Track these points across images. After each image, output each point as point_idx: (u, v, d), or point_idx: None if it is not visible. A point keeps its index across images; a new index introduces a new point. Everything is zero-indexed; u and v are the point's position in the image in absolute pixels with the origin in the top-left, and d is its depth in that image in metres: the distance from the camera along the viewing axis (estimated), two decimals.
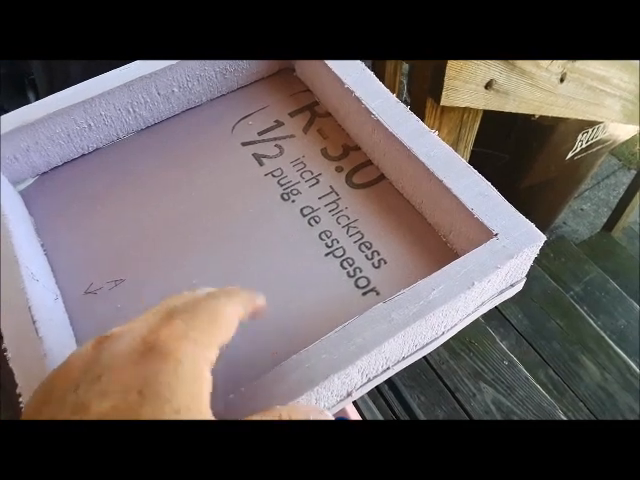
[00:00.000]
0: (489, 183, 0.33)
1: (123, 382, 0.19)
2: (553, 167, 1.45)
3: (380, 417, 0.65)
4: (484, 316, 1.38)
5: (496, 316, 1.40)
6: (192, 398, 0.19)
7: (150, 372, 0.19)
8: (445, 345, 1.28)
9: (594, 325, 1.47)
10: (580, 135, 1.42)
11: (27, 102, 0.39)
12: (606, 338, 1.45)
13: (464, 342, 1.30)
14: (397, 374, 0.32)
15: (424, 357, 1.22)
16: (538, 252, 0.33)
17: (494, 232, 0.31)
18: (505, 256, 0.30)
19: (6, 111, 0.38)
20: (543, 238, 0.31)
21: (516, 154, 1.36)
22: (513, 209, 0.32)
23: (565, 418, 1.24)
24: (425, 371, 1.26)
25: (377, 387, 1.17)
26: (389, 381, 1.15)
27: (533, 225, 0.32)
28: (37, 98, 0.39)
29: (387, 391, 1.16)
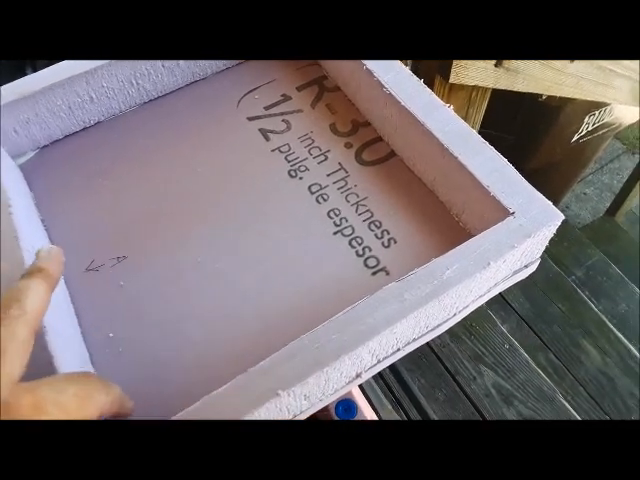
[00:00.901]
0: (505, 160, 0.32)
1: None
2: (558, 149, 1.43)
3: (382, 397, 0.66)
4: None
5: (497, 299, 1.39)
6: None
7: None
8: None
9: (595, 309, 1.46)
10: (587, 117, 1.39)
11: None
12: (607, 322, 1.44)
13: (465, 325, 1.30)
14: None
15: None
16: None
17: (511, 210, 0.30)
18: (522, 235, 0.29)
19: None
20: (561, 217, 0.30)
21: (522, 136, 1.34)
22: (530, 187, 0.31)
23: (565, 402, 1.25)
24: (426, 354, 1.26)
25: None
26: None
27: (551, 203, 0.30)
28: (35, 71, 0.38)
29: (387, 374, 1.16)
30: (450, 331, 1.38)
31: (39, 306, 0.23)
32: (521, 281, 0.35)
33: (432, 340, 0.31)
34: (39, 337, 0.27)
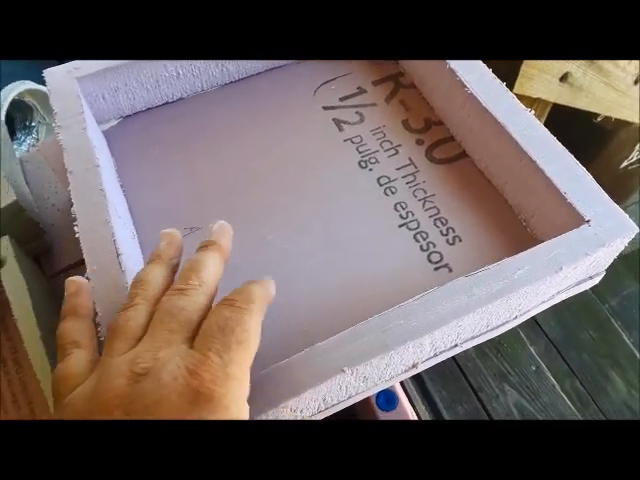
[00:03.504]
0: (584, 169, 0.32)
1: None
2: (606, 174, 1.40)
3: (415, 394, 0.66)
4: None
5: (527, 320, 1.38)
6: None
7: None
8: None
9: (627, 341, 1.43)
10: (639, 145, 1.37)
11: None
12: (638, 356, 1.41)
13: (493, 342, 1.28)
14: None
15: None
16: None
17: (586, 218, 0.30)
18: (596, 244, 0.29)
19: (62, 61, 0.38)
20: (636, 230, 0.30)
21: None
22: (607, 197, 0.31)
23: None
24: (450, 367, 1.25)
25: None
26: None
27: (627, 216, 0.30)
28: None
29: (410, 381, 1.16)
30: (477, 347, 1.37)
31: (215, 276, 0.25)
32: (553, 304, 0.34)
33: (457, 354, 0.32)
34: (120, 292, 0.28)
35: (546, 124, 0.34)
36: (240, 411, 0.21)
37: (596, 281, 0.35)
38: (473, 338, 0.33)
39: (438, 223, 0.36)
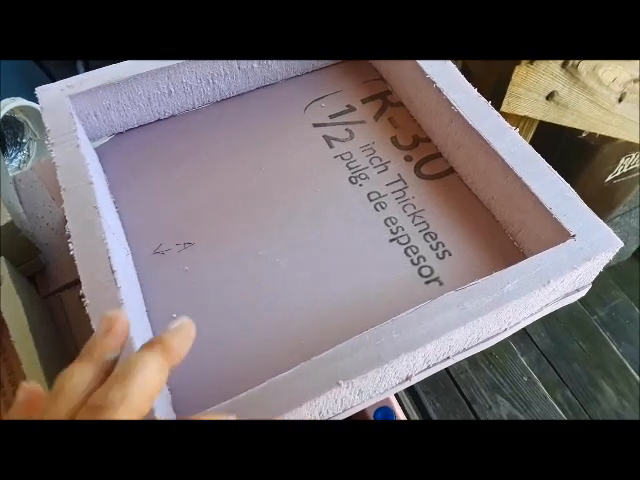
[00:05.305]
0: (568, 185, 0.33)
1: None
2: (591, 188, 1.42)
3: (411, 407, 0.66)
4: None
5: (518, 331, 1.39)
6: None
7: None
8: None
9: (617, 352, 1.44)
10: (623, 159, 1.39)
11: (76, 72, 0.39)
12: (628, 366, 1.42)
13: (484, 353, 1.29)
14: None
15: None
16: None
17: (571, 233, 0.31)
18: (582, 258, 0.30)
19: (54, 79, 0.39)
20: (620, 244, 0.31)
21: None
22: (591, 212, 0.32)
23: None
24: (443, 378, 1.25)
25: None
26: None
27: (611, 230, 0.31)
28: (87, 68, 0.39)
29: (404, 394, 1.16)
30: (469, 358, 1.38)
31: (149, 386, 0.19)
32: (544, 315, 0.35)
33: (450, 365, 0.32)
34: (119, 304, 0.28)
35: (532, 140, 0.35)
36: None
37: (583, 293, 0.35)
38: (465, 350, 0.33)
39: (428, 238, 0.37)
